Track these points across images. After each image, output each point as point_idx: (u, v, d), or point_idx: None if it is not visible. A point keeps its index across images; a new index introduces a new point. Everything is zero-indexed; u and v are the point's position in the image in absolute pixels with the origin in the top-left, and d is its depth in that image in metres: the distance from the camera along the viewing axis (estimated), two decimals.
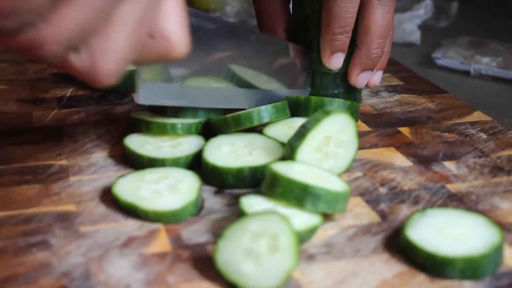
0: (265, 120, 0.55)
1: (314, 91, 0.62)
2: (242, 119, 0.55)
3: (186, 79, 0.56)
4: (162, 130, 0.55)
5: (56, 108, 0.64)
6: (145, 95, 0.52)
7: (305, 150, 0.49)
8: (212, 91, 0.58)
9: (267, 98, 0.60)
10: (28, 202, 0.48)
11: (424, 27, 1.11)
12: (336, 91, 0.62)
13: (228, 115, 0.55)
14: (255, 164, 0.50)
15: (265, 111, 0.55)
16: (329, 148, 0.50)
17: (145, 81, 0.52)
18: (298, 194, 0.44)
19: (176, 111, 0.57)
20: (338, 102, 0.58)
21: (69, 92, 0.68)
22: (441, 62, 0.94)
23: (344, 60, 0.60)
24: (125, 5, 0.38)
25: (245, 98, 0.59)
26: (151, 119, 0.56)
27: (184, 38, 0.41)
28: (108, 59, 0.39)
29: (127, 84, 0.68)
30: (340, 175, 0.52)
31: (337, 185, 0.46)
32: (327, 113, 0.49)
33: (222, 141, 0.54)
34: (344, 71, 0.61)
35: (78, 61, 0.38)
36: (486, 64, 0.90)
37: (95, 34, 0.38)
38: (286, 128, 0.56)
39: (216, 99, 0.58)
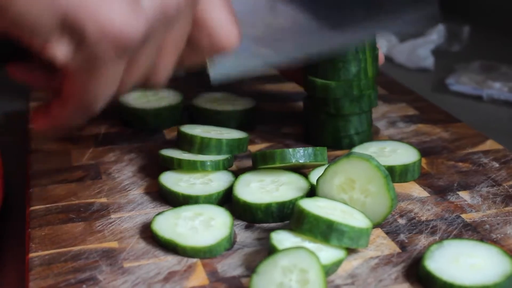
0: (301, 161, 0.57)
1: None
2: (272, 155, 0.56)
3: None
4: (192, 167, 0.59)
5: (92, 146, 0.69)
6: (217, 72, 0.56)
7: (326, 184, 0.53)
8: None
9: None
10: (74, 240, 0.52)
11: (437, 52, 1.14)
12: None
13: (268, 151, 0.57)
14: (282, 200, 0.54)
15: (301, 152, 0.57)
16: (355, 193, 0.52)
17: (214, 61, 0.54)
18: (324, 230, 0.48)
19: (202, 149, 0.60)
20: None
21: (102, 130, 0.73)
22: (455, 88, 0.97)
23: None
24: (172, 33, 0.41)
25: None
26: (181, 157, 0.60)
27: (232, 28, 0.41)
28: (160, 76, 0.45)
29: (156, 121, 0.73)
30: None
31: (360, 221, 0.49)
32: (348, 155, 0.52)
33: (251, 177, 0.58)
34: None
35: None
36: (498, 89, 0.94)
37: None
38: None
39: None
